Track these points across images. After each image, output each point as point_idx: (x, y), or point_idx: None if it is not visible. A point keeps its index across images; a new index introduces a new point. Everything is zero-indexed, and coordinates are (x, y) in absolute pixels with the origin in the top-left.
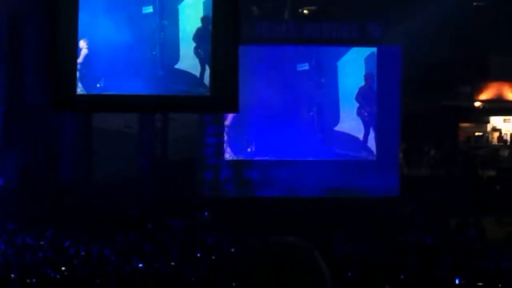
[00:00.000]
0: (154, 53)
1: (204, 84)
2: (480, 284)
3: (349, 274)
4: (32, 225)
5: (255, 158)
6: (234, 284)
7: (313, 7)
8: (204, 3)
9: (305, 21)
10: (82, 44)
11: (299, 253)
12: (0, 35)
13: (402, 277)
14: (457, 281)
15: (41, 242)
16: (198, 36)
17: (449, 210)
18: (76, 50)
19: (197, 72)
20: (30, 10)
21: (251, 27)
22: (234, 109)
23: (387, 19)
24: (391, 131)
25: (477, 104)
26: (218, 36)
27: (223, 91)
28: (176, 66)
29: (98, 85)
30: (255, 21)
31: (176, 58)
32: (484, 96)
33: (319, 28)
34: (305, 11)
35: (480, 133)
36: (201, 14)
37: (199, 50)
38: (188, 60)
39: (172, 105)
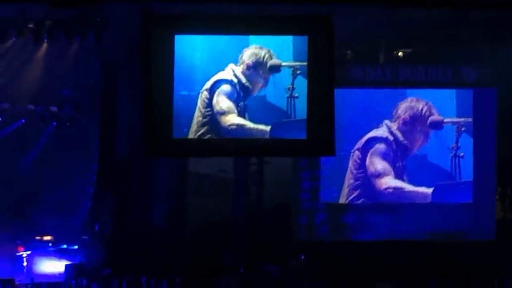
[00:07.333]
0: None
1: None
2: None
3: None
4: (127, 271)
5: (351, 202)
6: None
7: (407, 50)
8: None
9: (399, 64)
10: None
11: None
12: (95, 82)
13: None
14: None
15: None
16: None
17: None
18: (171, 95)
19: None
20: (125, 55)
21: (345, 71)
22: (330, 152)
23: (482, 61)
24: (487, 174)
25: None
26: (314, 81)
27: (319, 135)
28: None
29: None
30: (349, 65)
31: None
32: None
33: (414, 71)
34: (400, 54)
35: None
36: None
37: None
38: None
39: (267, 149)
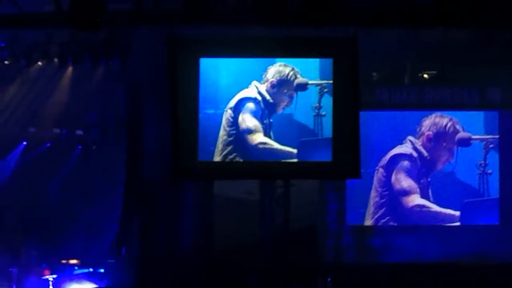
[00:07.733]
0: None
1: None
2: None
3: None
4: None
5: (376, 221)
6: None
7: (433, 72)
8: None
9: (425, 86)
10: None
11: None
12: (120, 105)
13: None
14: None
15: None
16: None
17: None
18: (197, 117)
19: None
20: (150, 78)
21: (370, 93)
22: (356, 175)
23: (508, 82)
24: None
25: None
26: (339, 103)
27: (345, 157)
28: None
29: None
30: (375, 87)
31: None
32: None
33: (439, 93)
34: (425, 76)
35: None
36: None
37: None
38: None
39: (293, 172)
